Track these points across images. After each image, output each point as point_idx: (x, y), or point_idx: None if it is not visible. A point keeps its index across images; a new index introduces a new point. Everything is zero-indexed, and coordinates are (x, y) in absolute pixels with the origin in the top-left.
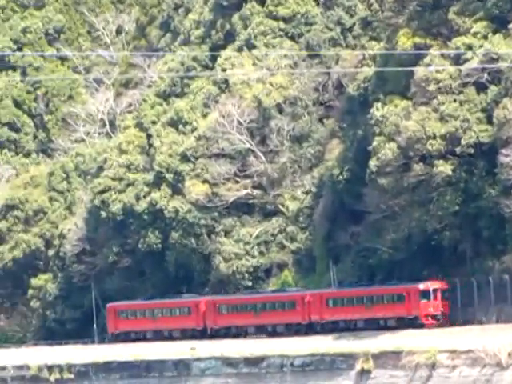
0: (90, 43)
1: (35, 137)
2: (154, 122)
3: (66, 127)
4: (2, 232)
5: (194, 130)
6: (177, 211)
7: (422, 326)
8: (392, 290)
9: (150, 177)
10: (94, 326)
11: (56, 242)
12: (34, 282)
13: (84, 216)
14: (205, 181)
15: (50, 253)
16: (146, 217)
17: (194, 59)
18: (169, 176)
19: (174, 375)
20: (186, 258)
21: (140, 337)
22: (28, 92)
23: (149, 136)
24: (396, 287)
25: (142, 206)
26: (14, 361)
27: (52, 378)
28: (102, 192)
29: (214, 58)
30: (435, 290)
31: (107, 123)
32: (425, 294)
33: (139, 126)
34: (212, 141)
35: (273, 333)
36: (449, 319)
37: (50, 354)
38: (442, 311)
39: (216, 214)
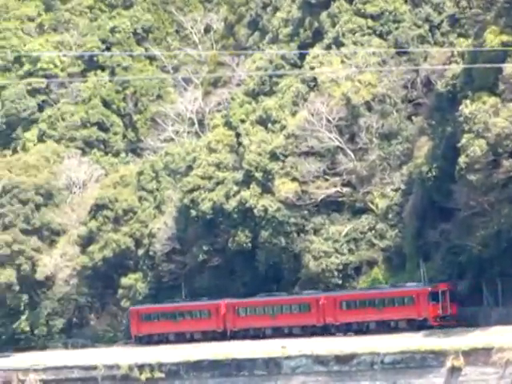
0: (178, 42)
1: (124, 136)
2: (242, 121)
3: (155, 126)
4: (92, 232)
5: (282, 128)
6: (266, 210)
7: (431, 327)
8: (402, 292)
9: (239, 175)
10: None
11: (146, 241)
12: (124, 281)
13: (173, 215)
14: (294, 179)
15: (140, 252)
16: (235, 215)
17: (283, 57)
18: (258, 174)
19: (264, 374)
20: (276, 256)
21: (162, 339)
22: (117, 92)
23: (238, 135)
24: (406, 289)
25: (231, 204)
26: (105, 360)
27: (143, 377)
28: (192, 191)
29: (302, 57)
30: (444, 292)
31: (196, 122)
32: (434, 297)
33: (228, 124)
34: (301, 139)
35: (289, 334)
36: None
37: (140, 353)
38: (451, 313)
39: (305, 212)
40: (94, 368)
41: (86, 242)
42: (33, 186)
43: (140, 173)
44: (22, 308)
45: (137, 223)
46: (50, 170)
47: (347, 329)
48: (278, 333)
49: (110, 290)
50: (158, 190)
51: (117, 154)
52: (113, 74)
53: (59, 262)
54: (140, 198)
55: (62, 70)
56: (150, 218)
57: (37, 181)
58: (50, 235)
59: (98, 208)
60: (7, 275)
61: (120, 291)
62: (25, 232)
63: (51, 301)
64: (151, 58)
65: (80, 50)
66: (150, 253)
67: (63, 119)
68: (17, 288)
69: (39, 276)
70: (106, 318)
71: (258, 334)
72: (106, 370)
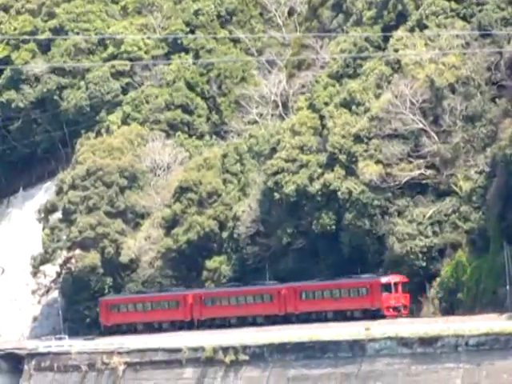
0: (262, 25)
1: (208, 119)
2: (326, 103)
3: (239, 109)
4: (177, 214)
5: (366, 110)
6: (350, 192)
7: (383, 317)
8: (356, 283)
9: (323, 158)
10: None
11: (230, 223)
12: (209, 264)
13: (257, 198)
14: (378, 161)
15: (224, 235)
16: (319, 198)
17: (367, 40)
18: (342, 157)
19: (348, 356)
20: (360, 238)
21: (131, 329)
22: (201, 74)
23: (321, 117)
24: (359, 281)
25: (315, 187)
26: (189, 343)
27: (227, 360)
28: (276, 174)
29: (386, 39)
30: (396, 284)
31: (280, 105)
32: (386, 287)
33: (312, 107)
34: (385, 121)
35: (253, 323)
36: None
37: (224, 335)
38: (403, 303)
39: (389, 194)
40: (179, 351)
41: (170, 224)
42: (117, 168)
43: (224, 155)
44: (107, 291)
45: (221, 206)
46: (134, 152)
47: (307, 318)
48: (242, 322)
49: (193, 272)
50: (242, 172)
51: (201, 137)
52: (197, 56)
53: (143, 245)
54: (224, 181)
55: (146, 53)
56: (234, 200)
57: (121, 163)
58: (135, 218)
59: (182, 191)
60: (91, 258)
61: (204, 274)
62: (109, 215)
63: (135, 283)
64: (235, 41)
65: (164, 33)
66: (235, 235)
67: (147, 102)
68: (101, 271)
69: (123, 259)
70: None
71: (223, 324)
72: (191, 353)
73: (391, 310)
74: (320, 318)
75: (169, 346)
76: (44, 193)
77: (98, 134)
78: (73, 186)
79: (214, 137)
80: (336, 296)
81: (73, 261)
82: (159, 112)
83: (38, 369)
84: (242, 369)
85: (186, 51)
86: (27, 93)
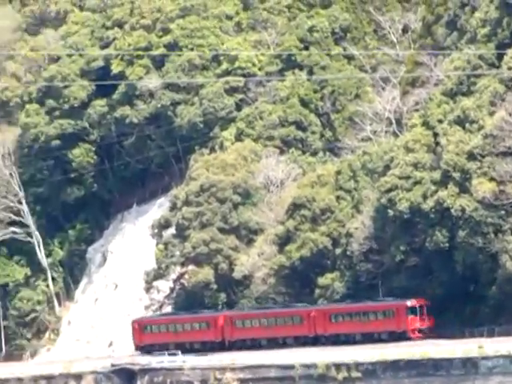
0: (376, 42)
1: (322, 135)
2: (440, 121)
3: (353, 126)
4: (290, 231)
5: (480, 128)
6: (463, 210)
7: (409, 339)
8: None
9: (436, 175)
10: None
11: (343, 240)
12: (322, 280)
13: (371, 214)
14: (491, 179)
15: (337, 251)
16: (432, 215)
17: (480, 57)
18: (455, 174)
19: (461, 373)
20: (473, 256)
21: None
22: (315, 91)
23: (435, 134)
24: (386, 304)
25: (428, 204)
26: (302, 359)
27: (340, 377)
28: (389, 191)
29: (500, 56)
30: (421, 307)
31: (393, 122)
32: (412, 310)
33: (426, 124)
34: (499, 139)
35: (283, 344)
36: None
37: (337, 352)
38: (428, 325)
39: (503, 212)
40: (291, 367)
41: (283, 241)
42: (230, 184)
43: (338, 172)
44: (220, 307)
45: (334, 222)
46: (247, 168)
47: (336, 340)
48: (272, 343)
49: (306, 289)
50: (355, 189)
51: (314, 153)
52: (311, 73)
53: (257, 261)
54: (337, 198)
55: (260, 69)
56: (347, 217)
57: (234, 179)
58: (248, 234)
59: (295, 207)
60: (205, 274)
61: (317, 291)
62: (222, 231)
63: (248, 299)
64: (349, 58)
65: (278, 49)
66: (348, 252)
67: (261, 118)
68: (214, 287)
69: (237, 275)
70: None
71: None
72: (303, 370)
73: (417, 332)
74: (348, 339)
75: (282, 363)
76: (157, 208)
77: (212, 150)
78: (186, 202)
79: (327, 153)
80: (364, 319)
81: (186, 276)
82: (273, 128)
83: None
84: None
85: (300, 68)
86: (141, 108)
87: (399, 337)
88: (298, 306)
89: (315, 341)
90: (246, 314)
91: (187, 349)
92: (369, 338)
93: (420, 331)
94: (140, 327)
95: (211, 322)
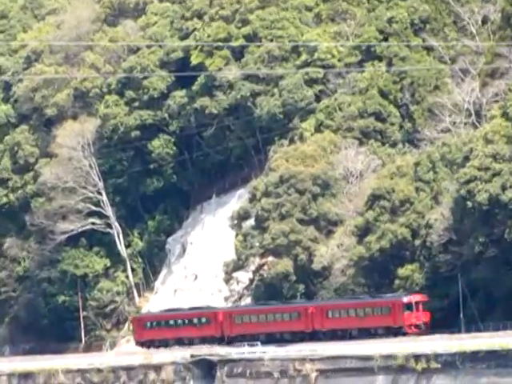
0: (455, 33)
1: (401, 127)
2: None
3: (432, 117)
4: (369, 222)
5: None
6: None
7: (405, 334)
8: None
9: None
10: (461, 315)
11: (422, 231)
12: (401, 272)
13: (450, 206)
14: None
15: (417, 243)
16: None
17: None
18: None
19: None
20: None
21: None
22: (394, 82)
23: None
24: (383, 300)
25: (507, 195)
26: (382, 351)
27: (419, 368)
28: (468, 182)
29: None
30: (417, 303)
31: (473, 113)
32: (408, 306)
33: (505, 115)
34: None
35: (281, 340)
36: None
37: (416, 343)
38: (424, 321)
39: None
40: (371, 358)
41: (362, 232)
42: (310, 175)
43: (417, 163)
44: (298, 297)
45: (413, 214)
46: (327, 160)
47: (333, 335)
48: (270, 339)
49: (385, 280)
50: (434, 180)
51: (394, 145)
52: (390, 64)
53: (336, 252)
54: (417, 189)
55: (339, 61)
56: (426, 208)
57: (314, 171)
58: (327, 225)
59: (374, 198)
60: (284, 265)
61: (396, 282)
62: (302, 222)
63: (327, 291)
64: (428, 49)
65: (357, 41)
66: (427, 243)
67: (340, 109)
68: (293, 278)
69: (316, 266)
70: None
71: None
72: (382, 361)
73: (412, 327)
74: (345, 335)
75: (361, 354)
76: (237, 199)
77: (291, 141)
78: (266, 193)
79: (406, 145)
80: (360, 314)
81: (265, 267)
82: (352, 120)
83: (231, 375)
84: (434, 377)
85: (380, 59)
86: (221, 99)
87: (396, 332)
88: (295, 303)
89: (312, 336)
90: (244, 310)
91: (187, 344)
92: (365, 333)
93: (416, 326)
94: (140, 324)
95: (211, 318)
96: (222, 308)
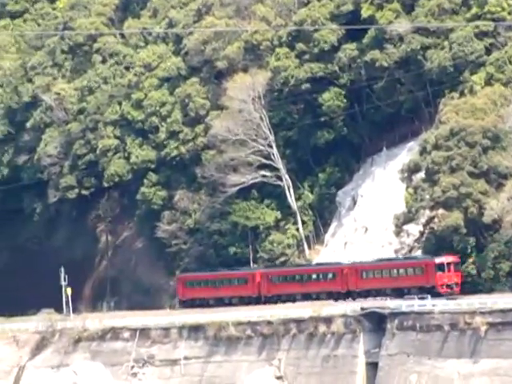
0: None
1: None
2: None
3: None
4: None
5: None
6: None
7: (438, 294)
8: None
9: None
10: None
11: None
12: None
13: None
14: None
15: None
16: None
17: None
18: None
19: None
20: None
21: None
22: None
23: None
24: (416, 261)
25: None
26: None
27: None
28: None
29: None
30: (449, 264)
31: None
32: (440, 267)
33: None
34: None
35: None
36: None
37: None
38: (455, 281)
39: None
40: None
41: None
42: (480, 129)
43: None
44: (469, 251)
45: None
46: (497, 113)
47: (367, 295)
48: (306, 298)
49: None
50: None
51: None
52: None
53: (506, 206)
54: None
55: (510, 14)
56: None
57: (484, 124)
58: (497, 178)
59: None
60: (454, 218)
61: None
62: (472, 175)
63: (498, 244)
64: None
65: None
66: None
67: (511, 62)
68: (464, 231)
69: (486, 219)
70: None
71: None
72: None
73: (444, 287)
74: (379, 294)
75: None
76: (407, 152)
77: (462, 94)
78: (436, 146)
79: None
80: (394, 275)
81: (436, 220)
82: None
83: (401, 328)
84: None
85: None
86: (391, 52)
87: (428, 292)
88: (331, 264)
89: (346, 296)
90: (280, 271)
91: (226, 303)
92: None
93: (448, 286)
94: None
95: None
96: (259, 268)
